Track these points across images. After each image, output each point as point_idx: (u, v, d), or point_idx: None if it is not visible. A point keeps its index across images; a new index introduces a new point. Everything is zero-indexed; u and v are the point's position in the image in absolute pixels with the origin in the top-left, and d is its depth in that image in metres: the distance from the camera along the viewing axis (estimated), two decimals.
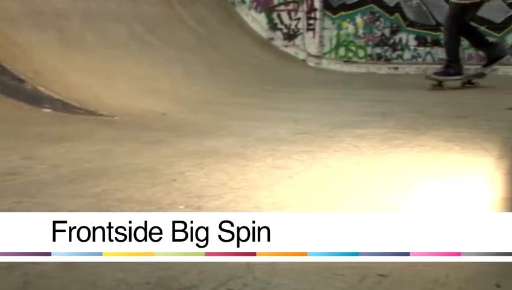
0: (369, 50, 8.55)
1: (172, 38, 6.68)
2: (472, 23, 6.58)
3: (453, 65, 6.29)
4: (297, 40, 8.76)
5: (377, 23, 8.48)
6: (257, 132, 3.84)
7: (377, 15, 8.51)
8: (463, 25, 6.27)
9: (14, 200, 2.31)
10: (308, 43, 8.68)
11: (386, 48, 8.51)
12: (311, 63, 8.61)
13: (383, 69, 8.39)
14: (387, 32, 8.51)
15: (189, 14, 7.51)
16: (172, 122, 4.22)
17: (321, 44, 8.67)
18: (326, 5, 8.65)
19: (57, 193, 2.42)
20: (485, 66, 6.50)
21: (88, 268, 1.68)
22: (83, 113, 4.34)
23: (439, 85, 6.35)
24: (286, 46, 8.72)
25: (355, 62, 8.58)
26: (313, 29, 8.69)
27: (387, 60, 8.46)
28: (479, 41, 6.58)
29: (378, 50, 8.51)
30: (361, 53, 8.60)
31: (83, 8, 5.93)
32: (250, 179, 2.66)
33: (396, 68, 8.33)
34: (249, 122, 4.25)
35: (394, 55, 8.48)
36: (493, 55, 6.39)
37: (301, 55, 8.69)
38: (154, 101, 4.85)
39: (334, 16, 8.66)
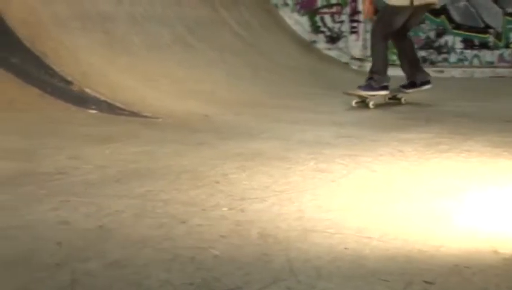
0: None
1: (215, 40, 6.72)
2: (411, 38, 5.56)
3: (375, 77, 5.15)
4: (340, 43, 8.70)
5: (422, 25, 8.34)
6: (299, 134, 3.83)
7: (422, 17, 8.37)
8: (399, 33, 5.24)
9: (62, 199, 2.35)
10: (352, 45, 8.61)
11: (431, 50, 8.37)
12: (354, 66, 8.53)
13: (428, 72, 8.24)
14: (432, 34, 8.37)
15: (232, 16, 7.55)
16: (214, 124, 4.25)
17: (364, 47, 8.57)
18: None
19: (103, 193, 2.46)
20: (404, 87, 5.41)
21: (135, 268, 1.70)
22: (127, 114, 4.40)
23: (363, 102, 5.17)
24: (329, 49, 8.67)
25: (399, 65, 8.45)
26: (357, 32, 8.61)
27: (432, 63, 8.31)
28: (410, 59, 5.43)
29: (423, 53, 8.36)
30: None
31: (128, 11, 6.02)
32: (293, 182, 2.65)
33: (441, 71, 8.17)
34: (291, 125, 4.24)
35: (439, 58, 8.33)
36: (418, 81, 5.34)
37: (344, 58, 8.62)
38: (197, 103, 4.88)
39: None
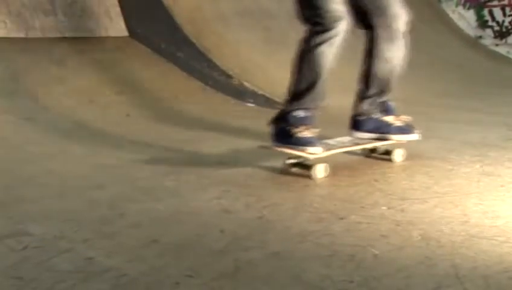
0: None
1: None
2: None
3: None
4: (510, 39, 8.09)
5: None
6: (463, 135, 3.64)
7: None
8: None
9: (224, 189, 2.45)
10: None
11: None
12: None
13: None
14: None
15: None
16: None
17: None
18: None
19: (263, 185, 2.53)
20: None
21: (294, 261, 1.71)
22: None
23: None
24: (496, 45, 8.11)
25: None
26: None
27: None
28: None
29: None
30: None
31: (288, 8, 6.10)
32: (457, 185, 2.51)
33: None
34: (453, 124, 4.04)
35: None
36: None
37: None
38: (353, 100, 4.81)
39: None
